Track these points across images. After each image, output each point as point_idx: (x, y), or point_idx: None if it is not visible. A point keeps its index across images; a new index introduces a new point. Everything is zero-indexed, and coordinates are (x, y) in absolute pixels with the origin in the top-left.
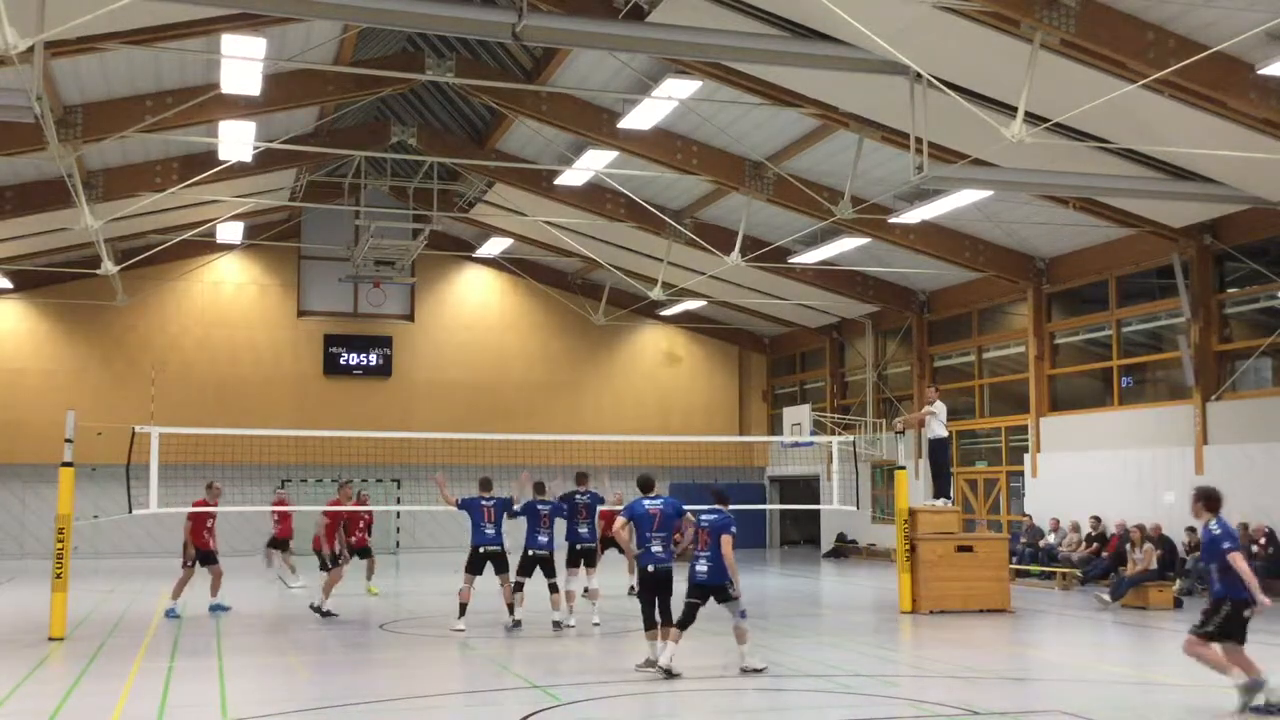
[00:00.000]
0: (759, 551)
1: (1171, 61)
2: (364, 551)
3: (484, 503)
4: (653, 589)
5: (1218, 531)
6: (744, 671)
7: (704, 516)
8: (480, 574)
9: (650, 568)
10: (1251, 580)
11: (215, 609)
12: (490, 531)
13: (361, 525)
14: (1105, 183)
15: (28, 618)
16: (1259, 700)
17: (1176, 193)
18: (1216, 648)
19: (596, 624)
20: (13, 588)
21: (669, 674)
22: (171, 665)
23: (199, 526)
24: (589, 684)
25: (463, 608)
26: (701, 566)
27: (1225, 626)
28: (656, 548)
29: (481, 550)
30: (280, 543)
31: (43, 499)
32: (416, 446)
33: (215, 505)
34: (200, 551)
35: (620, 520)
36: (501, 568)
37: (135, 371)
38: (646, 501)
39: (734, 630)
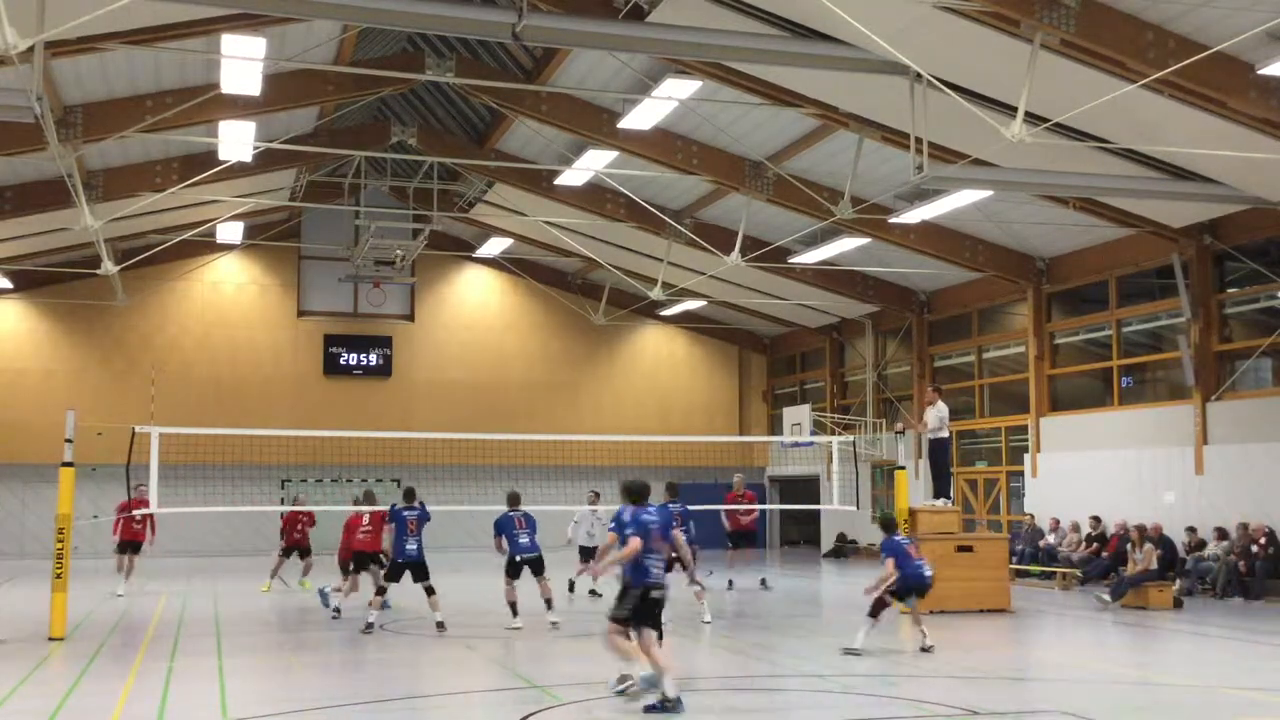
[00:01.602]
0: (758, 551)
1: (1171, 61)
2: (303, 550)
3: (514, 514)
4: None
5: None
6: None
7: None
8: (519, 578)
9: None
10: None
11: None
12: (525, 540)
13: (300, 525)
14: (1105, 183)
15: (28, 618)
16: (654, 699)
17: (1176, 193)
18: (634, 636)
19: (708, 621)
20: (13, 588)
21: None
22: (171, 665)
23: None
24: (589, 684)
25: (513, 606)
26: (929, 570)
27: (639, 611)
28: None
29: (519, 559)
30: (134, 546)
31: (43, 499)
32: (416, 446)
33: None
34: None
35: (613, 536)
36: (539, 570)
37: (135, 371)
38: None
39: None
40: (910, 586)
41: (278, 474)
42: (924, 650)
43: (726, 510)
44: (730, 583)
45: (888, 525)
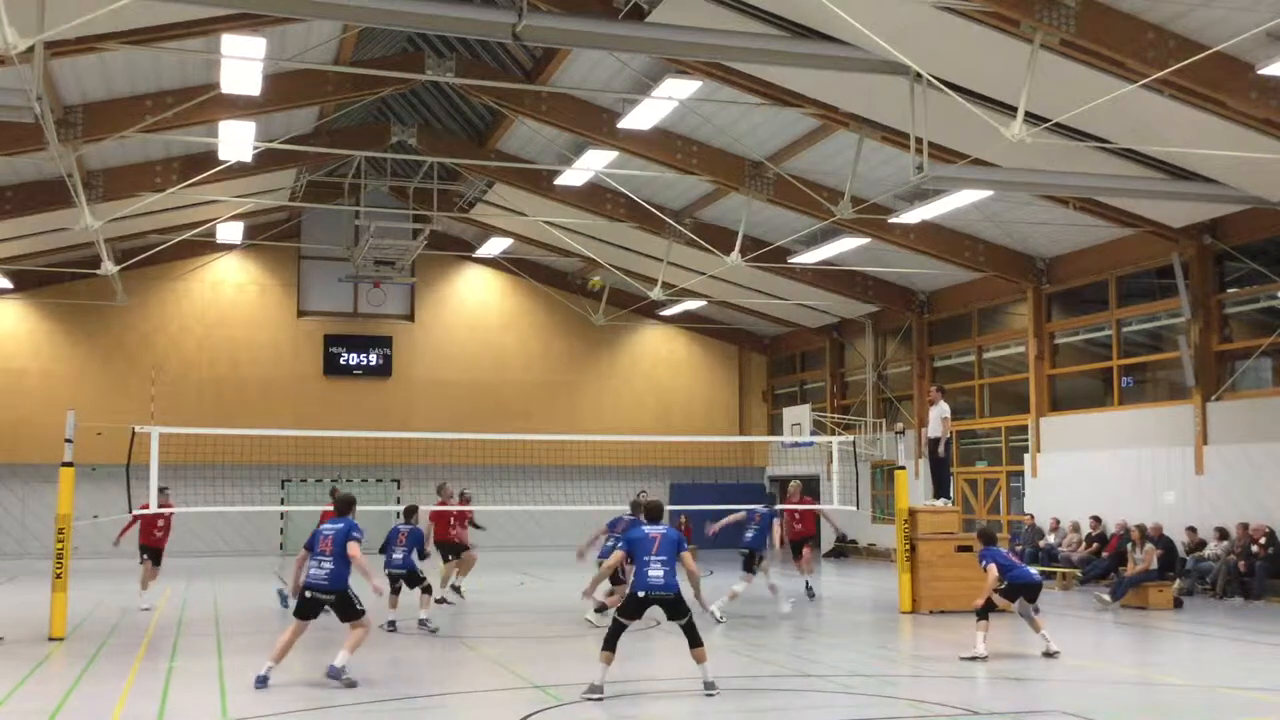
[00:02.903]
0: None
1: (1171, 61)
2: (456, 549)
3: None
4: (637, 614)
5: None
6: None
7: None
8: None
9: (641, 593)
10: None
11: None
12: (658, 575)
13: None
14: (1105, 183)
15: (28, 618)
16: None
17: (1176, 193)
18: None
19: (720, 620)
20: (13, 588)
21: (711, 688)
22: (171, 665)
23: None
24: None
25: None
26: (1035, 572)
27: (301, 608)
28: (655, 571)
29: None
30: (153, 551)
31: (43, 499)
32: (416, 446)
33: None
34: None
35: (618, 554)
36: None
37: (135, 371)
38: (647, 527)
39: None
40: (1018, 589)
41: (278, 474)
42: (1048, 655)
43: (786, 518)
44: (810, 590)
45: (987, 537)
